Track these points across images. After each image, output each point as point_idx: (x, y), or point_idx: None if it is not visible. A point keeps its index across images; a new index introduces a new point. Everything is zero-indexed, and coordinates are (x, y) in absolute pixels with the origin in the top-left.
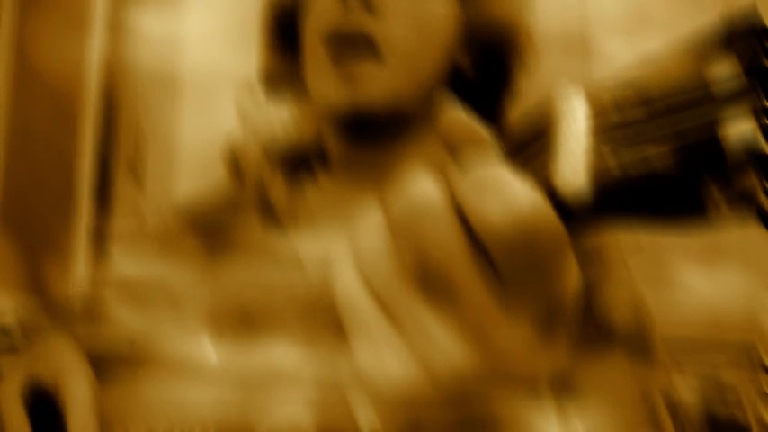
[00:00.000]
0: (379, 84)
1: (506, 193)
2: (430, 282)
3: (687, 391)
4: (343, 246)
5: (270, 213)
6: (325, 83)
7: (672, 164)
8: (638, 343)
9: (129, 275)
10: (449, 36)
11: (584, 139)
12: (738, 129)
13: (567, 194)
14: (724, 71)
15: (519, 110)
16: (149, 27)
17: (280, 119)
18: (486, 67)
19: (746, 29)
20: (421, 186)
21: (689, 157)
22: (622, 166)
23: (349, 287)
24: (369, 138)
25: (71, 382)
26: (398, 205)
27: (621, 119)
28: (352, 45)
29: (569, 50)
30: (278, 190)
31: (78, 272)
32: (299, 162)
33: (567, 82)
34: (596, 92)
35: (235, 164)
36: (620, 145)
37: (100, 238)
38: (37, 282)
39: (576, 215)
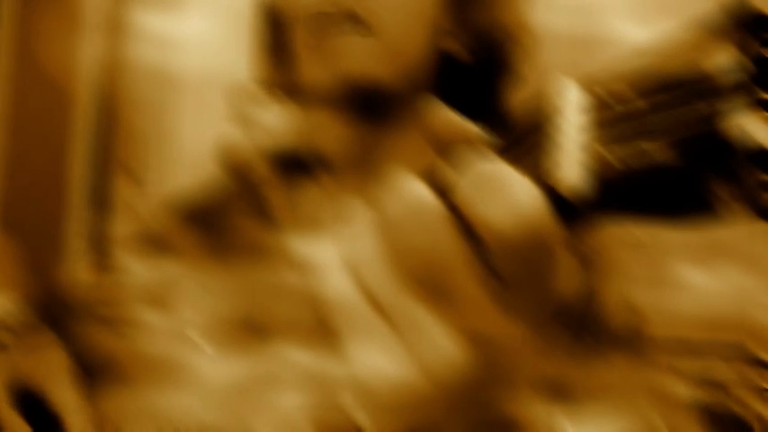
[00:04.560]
0: (365, 56)
1: (507, 191)
2: (426, 283)
3: (685, 391)
4: (338, 248)
5: (267, 215)
6: (312, 61)
7: (673, 157)
8: (633, 345)
9: (127, 276)
10: (436, 15)
11: (582, 134)
12: (740, 122)
13: (568, 189)
14: (724, 62)
15: (522, 97)
16: (149, 27)
17: (277, 121)
18: (480, 52)
19: (746, 18)
20: (416, 188)
21: (690, 150)
22: (623, 159)
23: (344, 289)
24: (362, 126)
25: (57, 384)
26: (393, 207)
27: (620, 112)
28: (337, 22)
29: (576, 37)
30: (276, 192)
31: (76, 271)
32: (297, 164)
33: (562, 74)
34: (592, 85)
35: (233, 165)
36: (619, 139)
37: (98, 238)
38: (31, 281)
39: (578, 210)
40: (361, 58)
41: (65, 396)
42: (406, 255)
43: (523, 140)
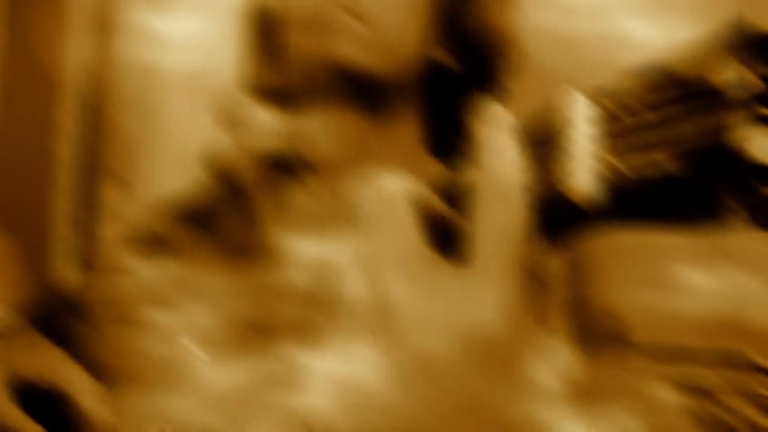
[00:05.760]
0: (358, 47)
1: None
2: (406, 281)
3: (675, 397)
4: (327, 248)
5: (254, 217)
6: (305, 53)
7: (683, 168)
8: (624, 350)
9: (122, 277)
10: (428, 17)
11: (593, 144)
12: (745, 135)
13: (580, 197)
14: (732, 77)
15: (519, 108)
16: (139, 26)
17: (265, 123)
18: (469, 61)
19: (749, 39)
20: (388, 183)
21: (698, 161)
22: (635, 169)
23: (341, 290)
24: (354, 127)
25: (68, 374)
26: (367, 205)
27: (630, 124)
28: (331, 16)
29: (572, 37)
30: (263, 194)
31: (66, 273)
32: (284, 166)
33: (569, 86)
34: (601, 98)
35: (220, 168)
36: (629, 149)
37: (87, 240)
38: (23, 282)
39: (590, 218)
40: (354, 48)
41: (71, 377)
42: (380, 253)
43: (534, 151)
